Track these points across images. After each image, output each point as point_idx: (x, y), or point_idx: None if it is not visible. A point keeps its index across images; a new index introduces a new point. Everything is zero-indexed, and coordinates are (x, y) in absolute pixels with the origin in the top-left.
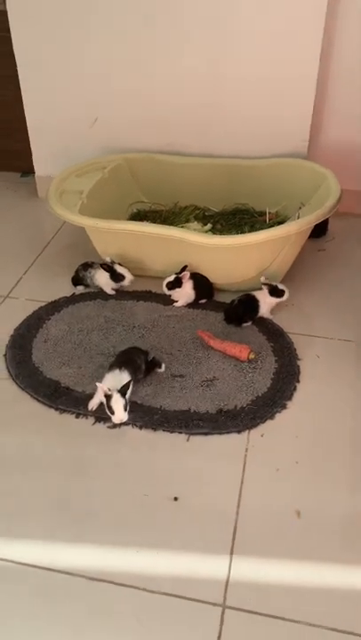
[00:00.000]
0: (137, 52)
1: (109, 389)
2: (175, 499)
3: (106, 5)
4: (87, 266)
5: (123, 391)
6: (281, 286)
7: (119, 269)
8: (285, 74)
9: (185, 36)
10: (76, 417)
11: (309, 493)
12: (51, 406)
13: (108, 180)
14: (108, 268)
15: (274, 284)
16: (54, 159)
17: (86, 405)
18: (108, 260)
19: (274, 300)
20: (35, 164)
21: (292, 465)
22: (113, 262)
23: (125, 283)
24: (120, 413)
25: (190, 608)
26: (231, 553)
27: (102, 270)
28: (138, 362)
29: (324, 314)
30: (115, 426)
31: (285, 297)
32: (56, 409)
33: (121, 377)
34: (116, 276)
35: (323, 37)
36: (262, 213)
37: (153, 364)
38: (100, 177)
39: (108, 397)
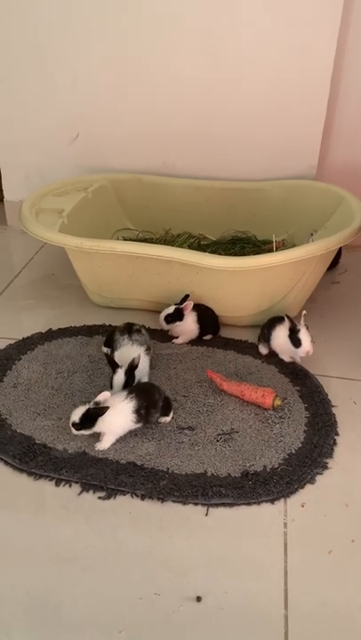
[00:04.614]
0: (125, 57)
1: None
2: (198, 598)
3: (88, 5)
4: (133, 330)
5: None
6: (303, 333)
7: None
8: (294, 88)
9: (183, 40)
10: (57, 484)
11: None
12: (22, 470)
13: (91, 202)
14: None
15: (298, 326)
16: (26, 182)
17: (69, 469)
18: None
19: (286, 346)
20: (4, 187)
21: (347, 545)
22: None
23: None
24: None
25: None
26: None
27: (144, 354)
28: (155, 396)
29: (352, 352)
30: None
31: (302, 351)
32: (29, 474)
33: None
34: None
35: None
36: (266, 242)
37: (165, 408)
38: (82, 197)
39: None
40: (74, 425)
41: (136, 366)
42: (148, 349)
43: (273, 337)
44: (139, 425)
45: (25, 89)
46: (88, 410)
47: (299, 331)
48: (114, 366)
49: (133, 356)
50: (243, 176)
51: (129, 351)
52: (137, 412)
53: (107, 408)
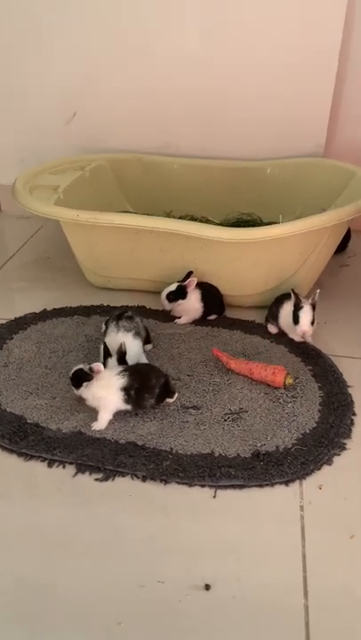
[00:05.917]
0: (124, 31)
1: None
2: (207, 587)
3: None
4: (122, 316)
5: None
6: (304, 312)
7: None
8: (301, 62)
9: (185, 16)
10: (49, 465)
11: None
12: (12, 450)
13: (88, 181)
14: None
15: (301, 303)
16: (21, 164)
17: (63, 449)
18: None
19: (288, 322)
20: None
21: None
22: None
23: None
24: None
25: None
26: None
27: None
28: (152, 381)
29: None
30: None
31: (298, 330)
32: (19, 454)
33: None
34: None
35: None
36: (272, 223)
37: (165, 392)
38: (79, 174)
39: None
40: (69, 376)
41: (125, 353)
42: (136, 334)
43: (281, 315)
44: (128, 407)
45: (20, 66)
46: (79, 369)
47: (301, 308)
48: (105, 355)
49: (119, 343)
50: (248, 156)
51: (115, 338)
52: (125, 391)
53: (90, 376)
